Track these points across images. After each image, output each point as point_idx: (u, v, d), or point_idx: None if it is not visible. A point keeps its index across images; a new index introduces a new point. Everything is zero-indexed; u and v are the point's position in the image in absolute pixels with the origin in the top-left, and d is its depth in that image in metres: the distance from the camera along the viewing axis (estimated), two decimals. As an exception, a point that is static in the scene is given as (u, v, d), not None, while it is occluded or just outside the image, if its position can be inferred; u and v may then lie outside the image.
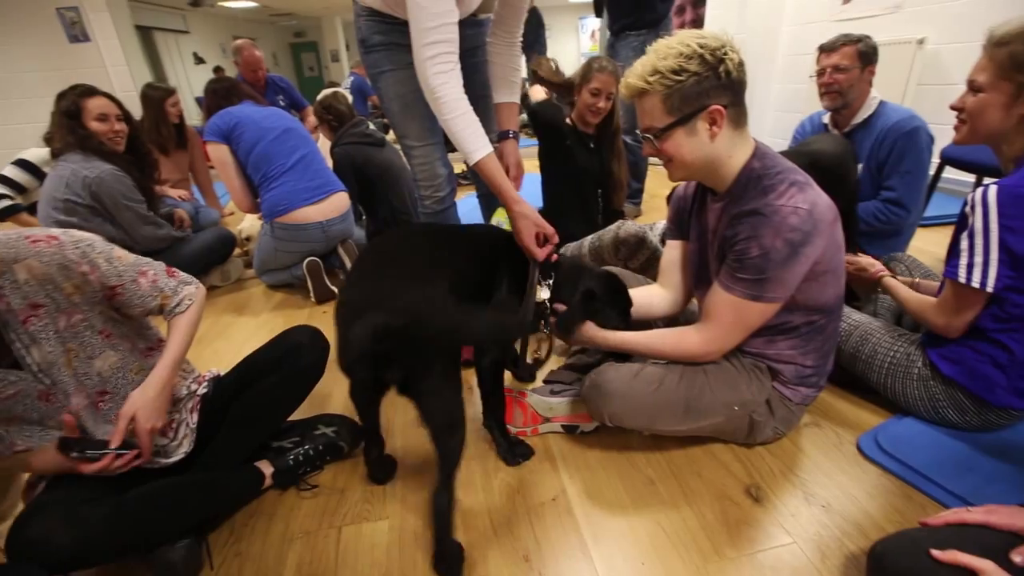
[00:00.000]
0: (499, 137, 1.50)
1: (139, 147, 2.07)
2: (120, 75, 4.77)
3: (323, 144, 2.64)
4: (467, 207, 1.86)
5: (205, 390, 1.16)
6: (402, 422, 1.36)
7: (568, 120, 2.07)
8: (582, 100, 1.98)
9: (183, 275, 1.07)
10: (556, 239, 1.17)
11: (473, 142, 1.19)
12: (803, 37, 3.64)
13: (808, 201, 0.92)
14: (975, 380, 1.10)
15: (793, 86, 3.79)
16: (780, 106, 4.01)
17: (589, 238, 1.85)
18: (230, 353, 1.78)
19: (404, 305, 0.87)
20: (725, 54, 0.91)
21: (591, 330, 1.16)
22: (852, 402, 1.32)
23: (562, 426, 1.26)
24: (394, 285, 0.93)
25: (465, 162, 1.26)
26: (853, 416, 1.28)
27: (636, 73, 0.95)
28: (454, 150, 1.35)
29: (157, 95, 2.82)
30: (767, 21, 3.84)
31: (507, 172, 1.36)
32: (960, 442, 1.13)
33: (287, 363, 1.16)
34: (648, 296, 1.29)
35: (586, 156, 2.08)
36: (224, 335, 1.93)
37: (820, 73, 1.76)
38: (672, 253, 1.28)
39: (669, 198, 1.89)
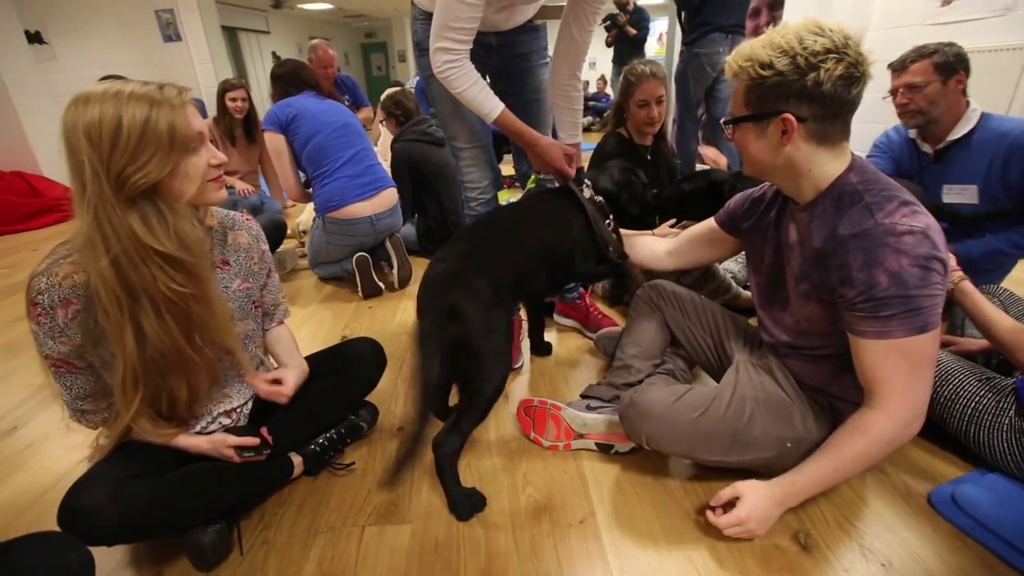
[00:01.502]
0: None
1: None
2: (206, 72, 5.14)
3: (384, 140, 2.70)
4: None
5: None
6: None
7: (623, 132, 1.94)
8: (633, 116, 1.86)
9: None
10: (580, 150, 1.40)
11: (488, 103, 1.27)
12: (894, 41, 3.32)
13: (923, 222, 0.81)
14: (1081, 437, 0.95)
15: (878, 95, 3.50)
16: (863, 117, 3.71)
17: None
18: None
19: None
20: (822, 62, 0.80)
21: None
22: (926, 449, 1.18)
23: (596, 444, 1.21)
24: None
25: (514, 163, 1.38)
26: (926, 465, 1.14)
27: (738, 52, 0.88)
28: (502, 154, 1.40)
29: (220, 88, 3.00)
30: (852, 25, 3.56)
31: None
32: (1058, 508, 0.98)
33: (348, 369, 1.23)
34: (650, 248, 1.37)
35: (647, 171, 1.99)
36: (275, 323, 2.00)
37: (893, 93, 1.61)
38: (704, 228, 1.28)
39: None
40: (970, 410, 1.09)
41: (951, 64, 1.51)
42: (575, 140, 1.49)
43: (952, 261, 1.19)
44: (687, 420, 1.01)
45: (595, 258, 1.30)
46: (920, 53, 1.55)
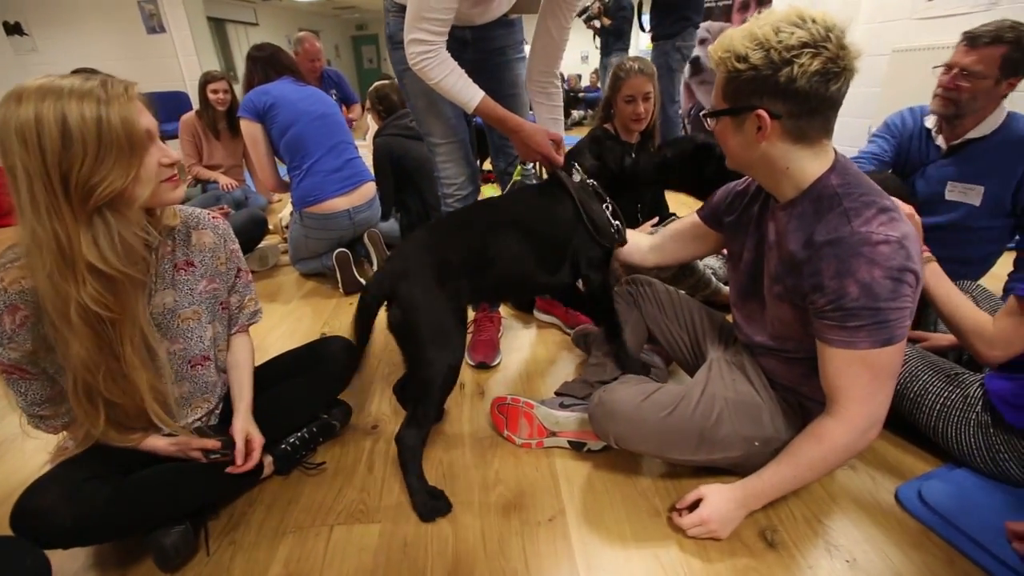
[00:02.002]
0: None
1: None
2: (190, 65, 5.07)
3: (371, 133, 2.67)
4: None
5: None
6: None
7: (609, 127, 1.90)
8: (620, 112, 1.84)
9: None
10: (564, 142, 1.32)
11: (466, 92, 1.23)
12: (880, 36, 3.34)
13: (899, 231, 0.79)
14: (1046, 433, 0.95)
15: (866, 89, 3.49)
16: (851, 111, 3.70)
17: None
18: (257, 337, 1.80)
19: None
20: (796, 56, 0.76)
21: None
22: (896, 445, 1.19)
23: (568, 442, 1.21)
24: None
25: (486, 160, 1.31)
26: (895, 461, 1.15)
27: (719, 42, 0.84)
28: (480, 152, 1.36)
29: (200, 81, 2.95)
30: (839, 17, 3.56)
31: None
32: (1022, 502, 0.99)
33: (319, 367, 1.22)
34: (635, 242, 1.32)
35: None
36: (254, 320, 1.99)
37: (947, 68, 1.43)
38: (685, 223, 1.25)
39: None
40: (938, 406, 1.10)
41: (1018, 64, 1.35)
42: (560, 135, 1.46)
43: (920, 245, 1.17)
44: (655, 419, 1.01)
45: (588, 252, 1.23)
46: (997, 36, 1.35)
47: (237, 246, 1.10)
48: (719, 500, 0.95)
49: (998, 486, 1.03)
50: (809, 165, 0.87)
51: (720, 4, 4.12)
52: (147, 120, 0.80)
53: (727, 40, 0.83)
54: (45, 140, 0.70)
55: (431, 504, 1.05)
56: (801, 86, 0.78)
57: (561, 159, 1.30)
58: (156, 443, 0.97)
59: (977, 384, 1.08)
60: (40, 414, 0.90)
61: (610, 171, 1.31)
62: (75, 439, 0.96)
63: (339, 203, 2.07)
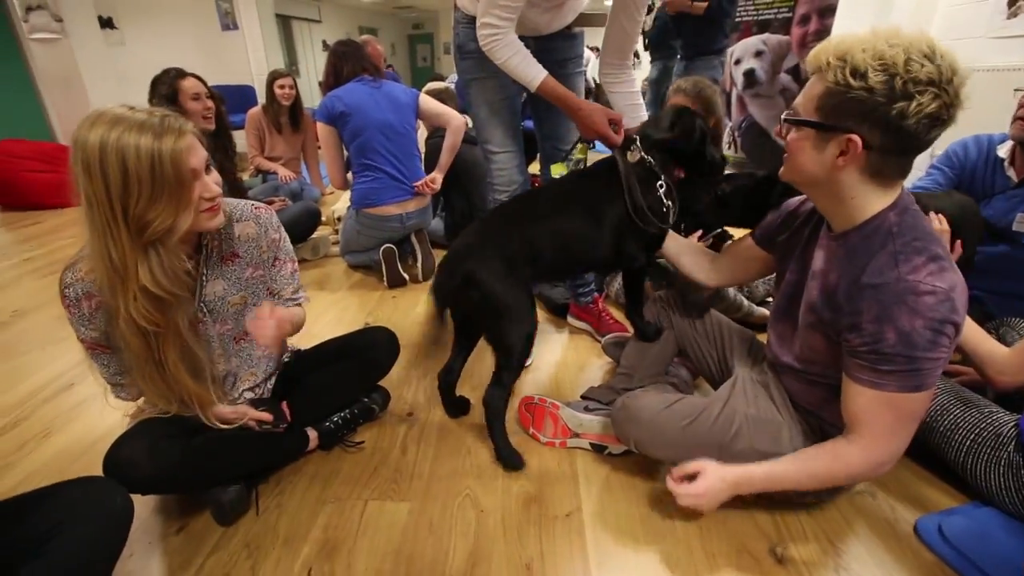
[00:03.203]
0: None
1: (223, 128, 2.23)
2: (258, 60, 5.38)
3: (422, 132, 2.79)
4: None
5: (288, 359, 1.31)
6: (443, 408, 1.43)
7: None
8: None
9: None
10: (624, 122, 1.30)
11: (530, 71, 1.30)
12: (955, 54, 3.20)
13: (947, 281, 0.76)
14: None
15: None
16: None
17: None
18: (307, 322, 1.96)
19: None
20: (920, 93, 0.71)
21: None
22: (921, 476, 1.18)
23: (590, 444, 1.26)
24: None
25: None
26: (918, 492, 1.14)
27: (832, 45, 0.77)
28: (531, 159, 1.41)
29: (268, 77, 3.16)
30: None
31: None
32: (1048, 548, 0.97)
33: (364, 354, 1.33)
34: (698, 258, 1.30)
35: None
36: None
37: None
38: (741, 246, 1.23)
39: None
40: (968, 442, 1.09)
41: None
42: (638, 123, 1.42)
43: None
44: (675, 428, 1.05)
45: (630, 232, 1.22)
46: None
47: (280, 235, 1.14)
48: (715, 477, 0.96)
49: (1024, 528, 1.02)
50: (874, 201, 0.84)
51: (779, 16, 4.02)
52: (196, 159, 0.87)
53: (844, 47, 0.75)
54: (108, 172, 0.79)
55: (514, 457, 1.22)
56: (908, 125, 0.73)
57: (619, 138, 1.28)
58: (221, 411, 1.10)
59: (1012, 424, 1.06)
60: (120, 383, 1.03)
61: (682, 145, 1.24)
62: (151, 405, 1.09)
63: (394, 209, 2.21)
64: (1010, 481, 1.03)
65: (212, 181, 0.91)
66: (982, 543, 0.99)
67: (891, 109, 0.73)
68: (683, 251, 1.33)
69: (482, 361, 1.68)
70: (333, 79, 2.25)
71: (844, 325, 0.85)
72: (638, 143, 1.22)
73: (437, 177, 2.30)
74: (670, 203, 1.22)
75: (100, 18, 4.66)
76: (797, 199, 1.11)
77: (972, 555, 0.96)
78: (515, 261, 1.15)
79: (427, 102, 2.29)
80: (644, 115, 1.48)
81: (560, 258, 1.22)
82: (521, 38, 1.36)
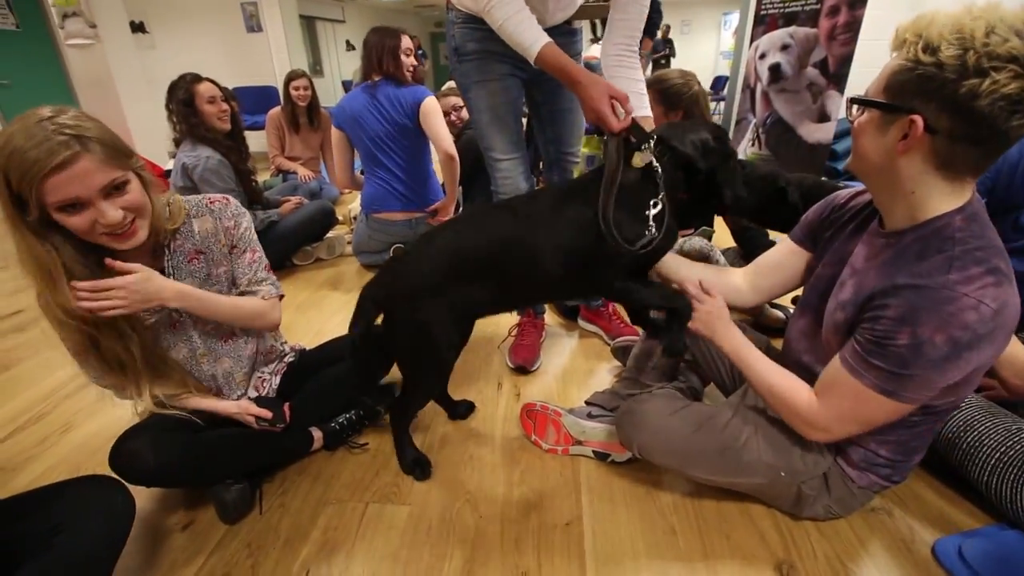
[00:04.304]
0: None
1: (238, 130, 2.26)
2: (281, 61, 5.48)
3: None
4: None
5: (292, 359, 1.32)
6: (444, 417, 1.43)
7: None
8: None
9: (274, 278, 1.18)
10: (631, 108, 1.03)
11: (530, 33, 1.14)
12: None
13: (999, 300, 0.69)
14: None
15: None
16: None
17: None
18: (319, 322, 2.00)
19: None
20: (995, 69, 0.63)
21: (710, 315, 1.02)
22: (942, 495, 1.12)
23: (593, 452, 1.24)
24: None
25: None
26: (938, 511, 1.09)
27: (916, 20, 0.70)
28: (537, 166, 1.31)
29: (285, 79, 3.23)
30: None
31: None
32: (1078, 576, 0.91)
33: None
34: (726, 282, 1.15)
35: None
36: (318, 306, 2.16)
37: None
38: (781, 252, 1.12)
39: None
40: (994, 460, 1.03)
41: None
42: (642, 113, 1.28)
43: None
44: (681, 434, 1.03)
45: (602, 250, 0.97)
46: None
47: (236, 223, 1.09)
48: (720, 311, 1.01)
49: (1054, 554, 0.96)
50: (938, 199, 0.75)
51: (807, 8, 3.89)
52: (80, 187, 0.82)
53: (925, 21, 0.69)
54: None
55: (416, 468, 1.21)
56: (981, 106, 0.65)
57: (619, 122, 1.01)
58: (221, 404, 1.12)
59: (1041, 442, 1.00)
60: (105, 385, 1.05)
61: (704, 171, 1.00)
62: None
63: (401, 216, 2.24)
64: (1039, 503, 0.97)
65: (112, 207, 0.86)
66: (1005, 568, 0.93)
67: (960, 87, 0.65)
68: (701, 276, 1.14)
69: (485, 359, 1.67)
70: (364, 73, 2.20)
71: (864, 319, 0.80)
72: (651, 144, 0.98)
73: (447, 209, 2.22)
74: (654, 229, 0.95)
75: (132, 23, 4.81)
76: (847, 192, 1.03)
77: (994, 581, 0.91)
78: (459, 276, 1.01)
79: (427, 116, 2.13)
80: (647, 109, 1.31)
81: (523, 284, 1.06)
82: None
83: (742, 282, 1.16)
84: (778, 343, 1.16)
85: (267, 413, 1.13)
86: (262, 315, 1.14)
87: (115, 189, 0.87)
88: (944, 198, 0.75)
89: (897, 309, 0.74)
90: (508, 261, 1.02)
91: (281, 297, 1.20)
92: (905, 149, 0.73)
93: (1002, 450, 1.03)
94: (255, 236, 1.15)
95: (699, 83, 1.85)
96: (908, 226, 0.79)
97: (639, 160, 0.99)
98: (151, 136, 4.23)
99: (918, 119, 0.69)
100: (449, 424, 1.40)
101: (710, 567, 0.97)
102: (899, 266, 0.78)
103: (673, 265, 1.16)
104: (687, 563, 0.99)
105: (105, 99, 4.39)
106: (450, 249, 1.03)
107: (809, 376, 0.99)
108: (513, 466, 1.24)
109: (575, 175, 1.56)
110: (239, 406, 1.13)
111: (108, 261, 0.92)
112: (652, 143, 0.98)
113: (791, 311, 1.23)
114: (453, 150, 2.14)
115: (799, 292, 1.11)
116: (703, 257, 1.64)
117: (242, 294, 1.13)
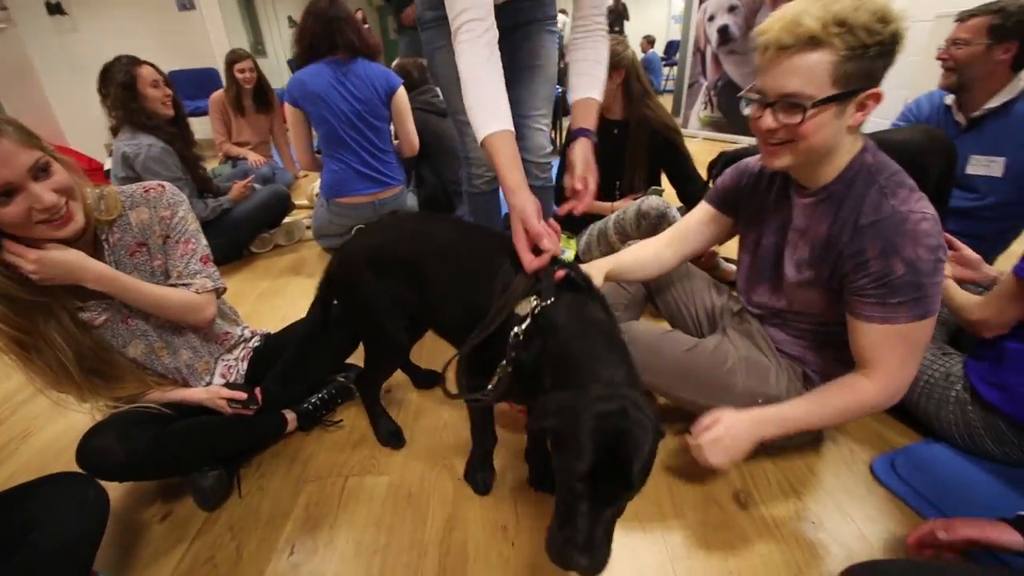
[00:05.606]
0: (569, 137, 1.20)
1: (181, 115, 2.14)
2: (220, 41, 5.17)
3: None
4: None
5: (257, 343, 1.31)
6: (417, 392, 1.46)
7: None
8: None
9: (212, 270, 1.14)
10: (557, 248, 0.88)
11: (482, 115, 1.00)
12: (922, 0, 3.16)
13: (931, 208, 0.82)
14: (1019, 408, 0.99)
15: (904, 58, 3.31)
16: (888, 81, 3.54)
17: (615, 214, 1.83)
18: (284, 307, 1.97)
19: None
20: (906, 28, 0.76)
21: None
22: (880, 420, 1.23)
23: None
24: None
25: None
26: (876, 434, 1.19)
27: (814, 15, 0.74)
28: None
29: (227, 59, 3.05)
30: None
31: (573, 174, 1.09)
32: (993, 477, 1.03)
33: (332, 333, 1.28)
34: (645, 254, 1.21)
35: (609, 145, 1.88)
36: (281, 293, 2.12)
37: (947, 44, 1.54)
38: (700, 219, 1.18)
39: (713, 166, 1.76)
40: (922, 382, 1.14)
41: (1006, 30, 1.42)
42: (589, 95, 1.18)
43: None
44: (674, 353, 1.08)
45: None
46: (985, 8, 1.47)
47: (171, 212, 1.06)
48: (734, 418, 0.94)
49: (973, 461, 1.07)
50: (850, 146, 0.88)
51: (751, -32, 3.94)
52: (7, 171, 0.80)
53: (830, 12, 0.74)
54: None
55: (391, 438, 1.26)
56: (890, 62, 0.78)
57: (535, 260, 0.86)
58: (190, 393, 1.12)
59: (961, 363, 1.11)
60: (60, 392, 1.00)
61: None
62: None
63: (365, 198, 2.18)
64: (957, 416, 1.08)
65: (45, 190, 0.85)
66: (933, 478, 1.04)
67: (894, 51, 0.77)
68: (616, 260, 1.19)
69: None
70: (307, 53, 2.04)
71: (848, 268, 0.88)
72: (540, 305, 0.81)
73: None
74: (490, 389, 0.83)
75: (48, 4, 4.44)
76: (754, 158, 1.09)
77: (921, 488, 1.02)
78: (375, 264, 1.03)
79: (399, 107, 2.16)
80: (597, 92, 1.19)
81: (442, 315, 1.03)
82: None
83: (664, 248, 1.22)
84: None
85: (241, 395, 1.13)
86: (193, 309, 1.09)
87: (41, 171, 0.86)
88: (852, 146, 0.88)
89: (873, 247, 0.83)
90: (429, 276, 1.00)
91: (222, 291, 1.17)
92: (861, 119, 0.82)
93: (929, 373, 1.13)
94: (194, 226, 1.11)
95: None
96: (830, 180, 0.90)
97: (526, 307, 0.83)
98: (82, 126, 3.96)
99: (880, 91, 0.80)
100: (423, 396, 1.43)
101: (676, 503, 1.05)
102: (844, 210, 0.88)
103: (597, 276, 1.13)
104: (653, 501, 1.06)
105: (26, 87, 4.07)
106: (384, 241, 1.07)
107: (783, 327, 1.09)
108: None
109: (538, 141, 1.51)
110: (208, 392, 1.12)
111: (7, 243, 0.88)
112: (543, 304, 0.81)
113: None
114: (418, 145, 2.26)
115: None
116: (661, 215, 1.69)
117: (174, 287, 1.08)
